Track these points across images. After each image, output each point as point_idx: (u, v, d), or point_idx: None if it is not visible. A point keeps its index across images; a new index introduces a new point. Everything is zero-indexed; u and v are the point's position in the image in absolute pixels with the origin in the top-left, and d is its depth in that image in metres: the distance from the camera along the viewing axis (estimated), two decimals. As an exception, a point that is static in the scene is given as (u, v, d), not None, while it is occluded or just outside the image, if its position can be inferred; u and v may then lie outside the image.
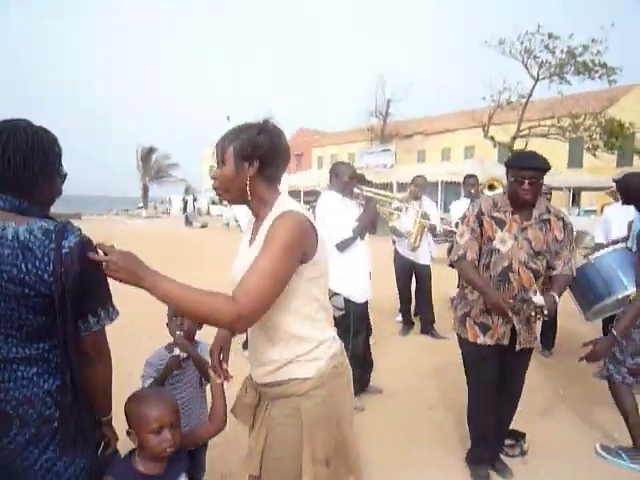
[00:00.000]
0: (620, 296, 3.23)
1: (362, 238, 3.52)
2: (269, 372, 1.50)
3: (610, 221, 4.79)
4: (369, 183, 4.86)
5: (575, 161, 26.89)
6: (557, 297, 2.42)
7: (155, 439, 1.44)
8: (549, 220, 2.52)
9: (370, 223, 3.54)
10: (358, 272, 3.46)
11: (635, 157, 21.23)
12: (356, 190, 3.52)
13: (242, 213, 4.26)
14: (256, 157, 1.47)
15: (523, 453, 2.95)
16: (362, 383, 3.63)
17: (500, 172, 19.14)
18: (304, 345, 1.47)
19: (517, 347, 2.55)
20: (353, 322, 3.39)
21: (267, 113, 1.57)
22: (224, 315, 1.30)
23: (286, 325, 1.46)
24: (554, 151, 25.71)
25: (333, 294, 3.33)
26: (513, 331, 2.53)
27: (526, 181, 2.40)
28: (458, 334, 2.71)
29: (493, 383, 2.62)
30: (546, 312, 2.31)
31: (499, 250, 2.47)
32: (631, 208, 3.39)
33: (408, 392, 3.96)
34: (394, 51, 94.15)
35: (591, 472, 2.83)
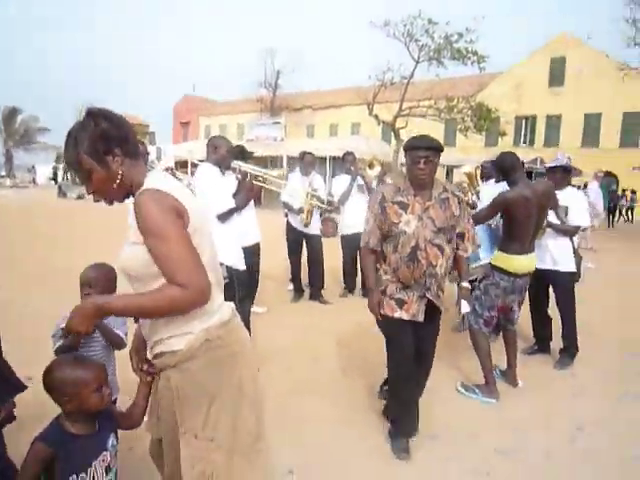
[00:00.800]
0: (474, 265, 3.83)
1: (241, 208, 3.65)
2: (151, 346, 1.59)
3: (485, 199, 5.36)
4: (250, 155, 4.96)
5: (450, 140, 29.17)
6: (468, 285, 2.86)
7: (97, 397, 1.52)
8: (447, 198, 2.71)
9: (246, 197, 3.66)
10: (237, 242, 3.61)
11: (499, 138, 23.60)
12: (233, 164, 3.61)
13: None
14: (111, 144, 1.46)
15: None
16: None
17: (385, 150, 20.16)
18: (178, 320, 1.50)
19: (439, 306, 2.75)
20: (238, 290, 3.51)
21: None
22: (184, 300, 1.40)
23: None
24: (432, 131, 27.43)
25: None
26: (427, 307, 2.71)
27: (422, 160, 2.56)
28: (381, 314, 2.79)
29: (411, 356, 2.76)
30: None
31: (405, 231, 2.62)
32: (504, 184, 3.88)
33: (297, 348, 4.38)
34: (284, 22, 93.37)
35: (462, 408, 3.35)
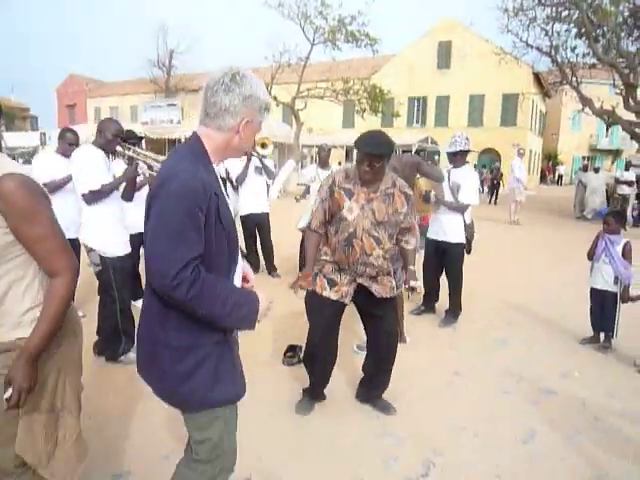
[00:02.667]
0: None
1: (127, 199, 3.60)
2: None
3: None
4: (140, 140, 4.87)
5: (348, 122, 29.97)
6: (413, 268, 2.90)
7: None
8: (393, 194, 2.74)
9: (129, 183, 3.57)
10: (116, 227, 3.49)
11: (394, 119, 24.68)
12: (119, 149, 3.50)
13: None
14: None
15: (300, 361, 3.65)
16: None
17: (285, 131, 20.14)
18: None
19: (376, 294, 2.83)
20: (114, 277, 3.45)
21: None
22: (70, 289, 1.52)
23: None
24: (331, 112, 28.25)
25: (90, 249, 3.44)
26: (356, 292, 2.84)
27: (366, 162, 2.61)
28: (310, 289, 2.89)
29: (330, 330, 2.92)
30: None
31: (346, 218, 2.69)
32: None
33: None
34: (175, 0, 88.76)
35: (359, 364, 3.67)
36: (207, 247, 1.46)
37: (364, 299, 2.90)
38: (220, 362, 1.56)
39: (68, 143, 4.29)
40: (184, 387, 1.52)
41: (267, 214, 6.31)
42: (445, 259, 4.74)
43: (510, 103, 28.11)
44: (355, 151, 2.73)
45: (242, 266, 1.75)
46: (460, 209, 4.60)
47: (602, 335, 4.23)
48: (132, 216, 3.63)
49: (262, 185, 6.19)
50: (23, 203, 1.40)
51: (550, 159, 38.25)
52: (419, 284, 2.88)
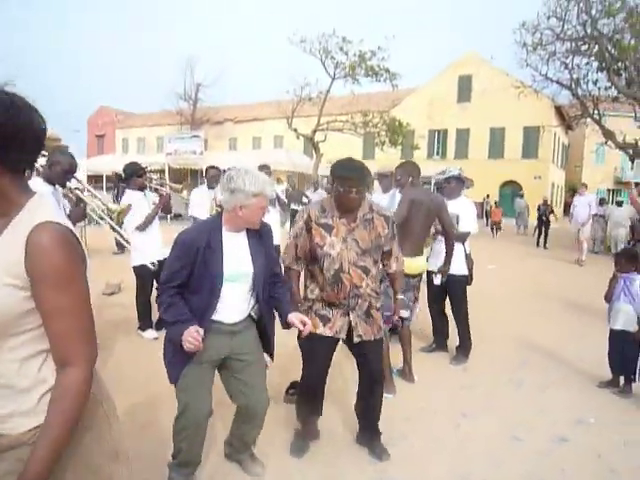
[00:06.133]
0: None
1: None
2: None
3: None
4: (143, 171, 4.95)
5: (369, 154, 30.17)
6: (403, 296, 2.83)
7: None
8: (372, 219, 2.71)
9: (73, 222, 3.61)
10: None
11: (414, 151, 24.79)
12: (69, 185, 3.46)
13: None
14: None
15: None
16: None
17: (305, 162, 20.45)
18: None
19: (356, 339, 2.74)
20: None
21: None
22: (87, 385, 1.18)
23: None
24: (351, 144, 28.47)
25: None
26: (350, 326, 2.76)
27: (354, 190, 2.57)
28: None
29: (324, 369, 2.83)
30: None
31: (330, 254, 2.63)
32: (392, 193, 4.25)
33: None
34: (205, 35, 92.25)
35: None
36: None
37: (351, 338, 2.81)
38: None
39: (64, 170, 4.34)
40: None
41: (278, 246, 6.30)
42: (448, 292, 4.64)
43: (531, 135, 27.96)
44: (335, 182, 2.64)
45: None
46: (461, 238, 4.52)
47: (622, 379, 4.03)
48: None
49: (275, 217, 6.22)
50: (58, 264, 1.11)
51: (574, 192, 37.70)
52: (406, 314, 2.79)
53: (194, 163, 19.79)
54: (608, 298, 4.04)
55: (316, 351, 2.80)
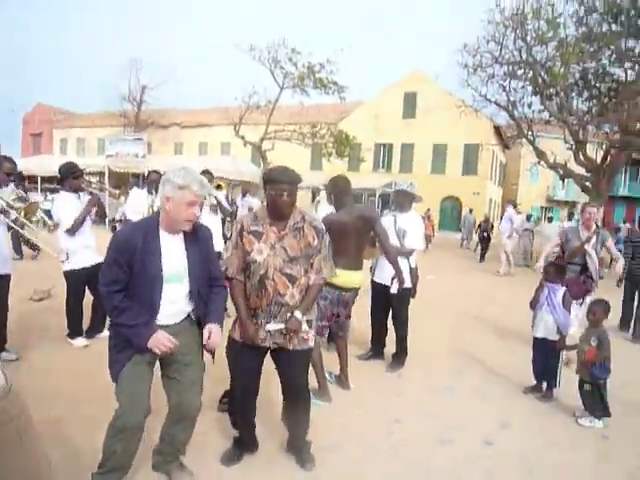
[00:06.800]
0: None
1: None
2: None
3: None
4: (80, 173, 4.81)
5: (316, 164, 30.42)
6: (300, 316, 2.66)
7: None
8: (302, 227, 2.72)
9: None
10: None
11: (361, 163, 25.27)
12: None
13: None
14: None
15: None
16: None
17: (252, 170, 20.26)
18: None
19: (272, 346, 2.72)
20: None
21: None
22: None
23: None
24: (299, 155, 28.63)
25: None
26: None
27: (285, 193, 2.61)
28: (229, 335, 2.81)
29: (252, 377, 2.81)
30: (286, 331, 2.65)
31: (256, 260, 2.63)
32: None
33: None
34: (152, 35, 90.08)
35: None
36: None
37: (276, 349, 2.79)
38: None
39: (5, 173, 4.16)
40: None
41: (220, 253, 6.23)
42: (391, 303, 4.73)
43: (471, 153, 29.17)
44: (267, 188, 2.67)
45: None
46: (406, 254, 4.63)
47: (545, 385, 4.26)
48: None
49: (216, 223, 6.15)
50: None
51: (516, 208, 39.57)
52: (276, 327, 2.67)
53: (136, 167, 19.22)
54: (533, 305, 4.27)
55: (242, 360, 2.78)
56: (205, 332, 2.44)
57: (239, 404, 2.89)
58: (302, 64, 18.78)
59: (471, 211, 21.11)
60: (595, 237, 5.35)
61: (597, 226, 5.50)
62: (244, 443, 2.97)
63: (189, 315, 2.51)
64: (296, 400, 2.88)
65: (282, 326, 2.66)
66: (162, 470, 2.69)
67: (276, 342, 2.72)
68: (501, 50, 15.47)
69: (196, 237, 2.48)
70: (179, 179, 2.30)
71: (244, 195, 13.11)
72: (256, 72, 20.25)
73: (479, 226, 16.75)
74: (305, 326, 2.71)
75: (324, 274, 2.80)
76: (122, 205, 6.25)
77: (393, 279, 4.39)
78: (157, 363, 2.50)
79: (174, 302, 2.41)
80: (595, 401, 3.75)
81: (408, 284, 4.62)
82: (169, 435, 2.62)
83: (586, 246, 5.29)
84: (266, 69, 19.44)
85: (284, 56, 18.78)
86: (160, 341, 2.28)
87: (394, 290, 4.43)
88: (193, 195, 2.31)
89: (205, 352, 2.60)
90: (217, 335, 2.46)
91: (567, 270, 4.77)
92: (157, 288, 2.34)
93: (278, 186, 2.61)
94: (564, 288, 4.19)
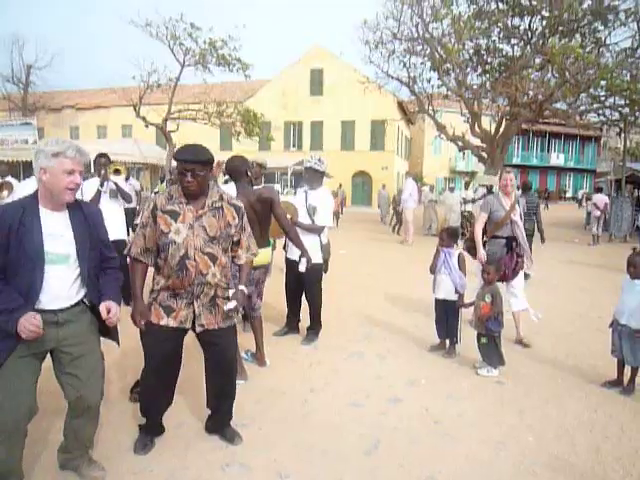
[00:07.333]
0: None
1: None
2: None
3: None
4: None
5: (226, 145, 29.76)
6: (244, 288, 2.75)
7: None
8: (222, 207, 2.68)
9: None
10: None
11: (272, 142, 25.04)
12: None
13: None
14: None
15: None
16: None
17: (157, 153, 19.34)
18: None
19: (198, 328, 2.69)
20: None
21: None
22: None
23: None
24: (208, 135, 27.79)
25: None
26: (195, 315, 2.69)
27: (188, 173, 2.53)
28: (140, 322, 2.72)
29: (171, 361, 2.76)
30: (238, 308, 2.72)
31: (175, 241, 2.56)
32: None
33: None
34: (33, 10, 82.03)
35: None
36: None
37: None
38: None
39: None
40: None
41: (123, 241, 5.94)
42: (304, 279, 4.80)
43: (378, 129, 29.96)
44: (176, 166, 2.65)
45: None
46: (316, 231, 4.70)
47: (447, 342, 4.57)
48: None
49: (117, 209, 5.84)
50: None
51: (417, 181, 41.38)
52: (234, 305, 2.72)
53: (26, 154, 17.64)
54: (432, 270, 4.53)
55: (159, 344, 2.70)
56: (102, 309, 2.29)
57: (152, 387, 2.80)
58: (203, 40, 18.08)
59: (384, 187, 21.72)
60: (518, 205, 4.92)
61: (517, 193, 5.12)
62: (153, 428, 2.91)
63: (81, 301, 2.35)
64: (228, 374, 2.88)
65: (234, 303, 2.69)
66: (70, 467, 2.57)
67: (202, 324, 2.69)
68: (400, 26, 15.87)
69: (82, 214, 2.34)
70: (52, 147, 2.17)
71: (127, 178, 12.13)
72: (155, 50, 19.18)
73: (393, 200, 17.37)
74: (232, 303, 2.72)
75: (253, 250, 2.88)
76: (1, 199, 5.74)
77: (300, 258, 4.37)
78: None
79: (60, 285, 2.24)
80: (491, 352, 4.09)
81: (319, 259, 4.71)
82: (72, 430, 2.49)
83: (512, 216, 4.79)
84: (165, 46, 18.49)
85: (183, 32, 17.93)
86: (23, 325, 2.06)
87: (302, 268, 4.34)
88: (70, 161, 2.19)
89: (107, 340, 2.50)
90: (116, 310, 2.34)
91: (490, 246, 4.82)
92: (37, 269, 2.16)
93: (183, 165, 2.55)
94: (459, 251, 4.49)
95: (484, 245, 4.88)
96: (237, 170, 3.92)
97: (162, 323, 2.67)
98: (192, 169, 2.54)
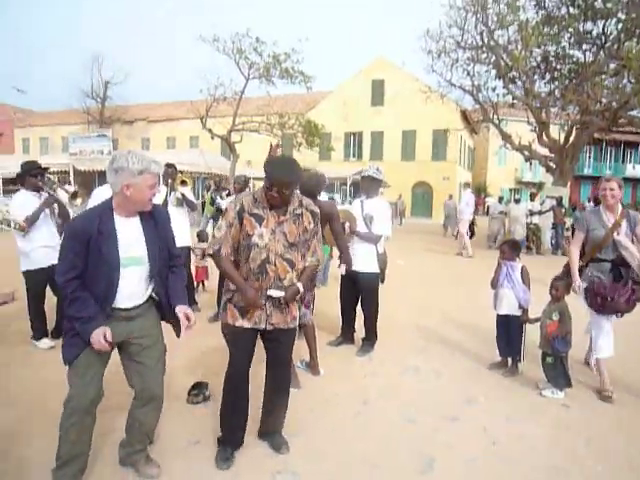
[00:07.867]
0: None
1: None
2: None
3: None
4: (44, 170, 4.82)
5: (287, 154, 30.32)
6: (301, 287, 2.74)
7: None
8: (301, 213, 2.74)
9: None
10: None
11: (331, 153, 25.25)
12: None
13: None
14: None
15: (205, 399, 3.52)
16: None
17: (221, 163, 20.06)
18: None
19: (268, 327, 2.73)
20: None
21: None
22: None
23: None
24: (267, 145, 28.67)
25: None
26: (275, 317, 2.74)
27: (274, 189, 2.57)
28: (221, 319, 2.84)
29: (245, 361, 2.80)
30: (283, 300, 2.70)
31: (257, 244, 2.62)
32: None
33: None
34: (111, 31, 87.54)
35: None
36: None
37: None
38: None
39: None
40: None
41: (188, 247, 6.17)
42: (360, 288, 4.78)
43: (440, 139, 29.46)
44: (265, 178, 2.64)
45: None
46: (373, 240, 4.67)
47: (509, 360, 4.37)
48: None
49: (182, 217, 6.06)
50: None
51: (480, 192, 40.23)
52: (279, 294, 2.68)
53: (101, 164, 18.81)
54: (494, 284, 4.37)
55: (235, 343, 2.78)
56: (181, 316, 2.47)
57: (233, 386, 2.82)
58: (267, 54, 18.62)
59: (451, 197, 21.15)
60: (625, 221, 3.88)
61: (624, 206, 3.99)
62: (236, 438, 2.89)
63: (151, 296, 2.53)
64: (282, 372, 2.93)
65: (282, 294, 2.69)
66: (129, 463, 2.68)
67: (272, 323, 2.74)
68: (463, 35, 15.60)
69: (153, 218, 2.49)
70: (136, 165, 2.28)
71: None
72: (221, 64, 19.96)
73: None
74: (279, 292, 2.72)
75: (319, 254, 2.89)
76: (77, 206, 6.09)
77: (340, 262, 4.61)
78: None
79: (131, 286, 2.41)
80: (557, 373, 3.87)
81: (376, 269, 4.68)
82: (136, 420, 2.62)
83: (615, 235, 3.84)
84: (231, 60, 19.20)
85: (248, 46, 18.58)
86: (95, 338, 2.27)
87: (342, 271, 4.63)
88: (152, 177, 2.33)
89: (169, 333, 2.63)
90: (193, 316, 2.51)
91: (592, 270, 3.97)
92: (114, 273, 2.33)
93: (270, 182, 2.57)
94: (522, 264, 4.29)
95: (581, 270, 4.06)
96: (311, 193, 3.88)
97: (237, 324, 2.74)
98: (280, 187, 2.57)
